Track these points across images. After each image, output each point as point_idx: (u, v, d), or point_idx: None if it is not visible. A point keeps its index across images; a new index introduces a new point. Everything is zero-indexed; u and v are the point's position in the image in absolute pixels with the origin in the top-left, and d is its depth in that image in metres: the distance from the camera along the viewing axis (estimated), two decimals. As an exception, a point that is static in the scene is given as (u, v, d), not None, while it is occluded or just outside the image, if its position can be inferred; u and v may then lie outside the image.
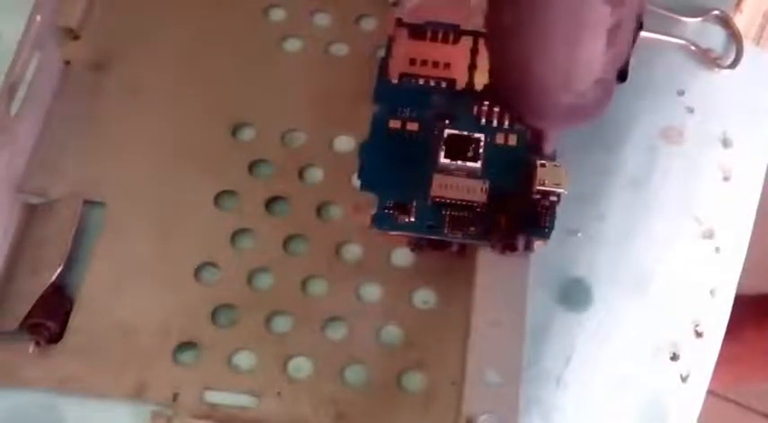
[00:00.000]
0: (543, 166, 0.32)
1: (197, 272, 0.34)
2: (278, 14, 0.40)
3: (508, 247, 0.32)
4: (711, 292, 0.35)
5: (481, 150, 0.32)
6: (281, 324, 0.34)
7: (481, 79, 0.34)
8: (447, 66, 0.34)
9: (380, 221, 0.32)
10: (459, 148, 0.32)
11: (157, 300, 0.34)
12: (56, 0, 0.37)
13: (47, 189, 0.36)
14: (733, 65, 0.39)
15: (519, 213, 0.32)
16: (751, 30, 0.40)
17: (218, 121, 0.37)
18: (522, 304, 0.31)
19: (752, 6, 0.40)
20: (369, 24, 0.40)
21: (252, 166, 0.36)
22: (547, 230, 0.31)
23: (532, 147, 0.32)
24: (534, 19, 0.28)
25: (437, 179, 0.32)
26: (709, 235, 0.36)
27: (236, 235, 0.35)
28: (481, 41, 0.34)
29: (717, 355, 0.34)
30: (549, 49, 0.28)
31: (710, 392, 0.34)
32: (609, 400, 0.33)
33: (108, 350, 0.33)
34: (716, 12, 0.40)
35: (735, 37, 0.39)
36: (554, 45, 0.28)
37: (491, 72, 0.32)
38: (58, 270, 0.34)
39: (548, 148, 0.32)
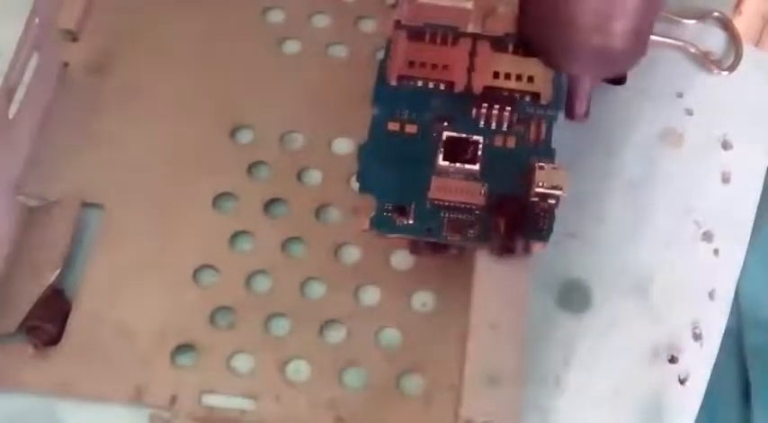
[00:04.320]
0: (542, 168, 0.31)
1: (195, 274, 0.34)
2: (277, 16, 0.40)
3: (507, 249, 0.31)
4: (710, 295, 0.35)
5: (480, 153, 0.32)
6: (280, 327, 0.34)
7: (480, 81, 0.34)
8: (446, 68, 0.34)
9: (379, 224, 0.32)
10: (457, 151, 0.32)
11: (156, 302, 0.34)
12: (54, 2, 0.37)
13: (45, 191, 0.36)
14: (732, 67, 0.39)
15: (517, 216, 0.31)
16: (750, 32, 0.40)
17: (217, 122, 0.37)
18: (520, 307, 0.31)
19: (751, 8, 0.40)
20: (368, 26, 0.40)
21: (250, 168, 0.36)
22: (545, 233, 0.31)
23: (568, 109, 0.33)
24: None
25: (436, 181, 0.32)
26: (708, 237, 0.36)
27: (234, 237, 0.35)
28: (480, 43, 0.34)
29: (715, 358, 0.34)
30: None
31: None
32: (607, 403, 0.33)
33: (106, 353, 0.33)
34: (715, 14, 0.40)
35: (734, 39, 0.39)
36: None
37: (521, 17, 0.32)
38: (57, 272, 0.34)
39: (580, 105, 0.32)
